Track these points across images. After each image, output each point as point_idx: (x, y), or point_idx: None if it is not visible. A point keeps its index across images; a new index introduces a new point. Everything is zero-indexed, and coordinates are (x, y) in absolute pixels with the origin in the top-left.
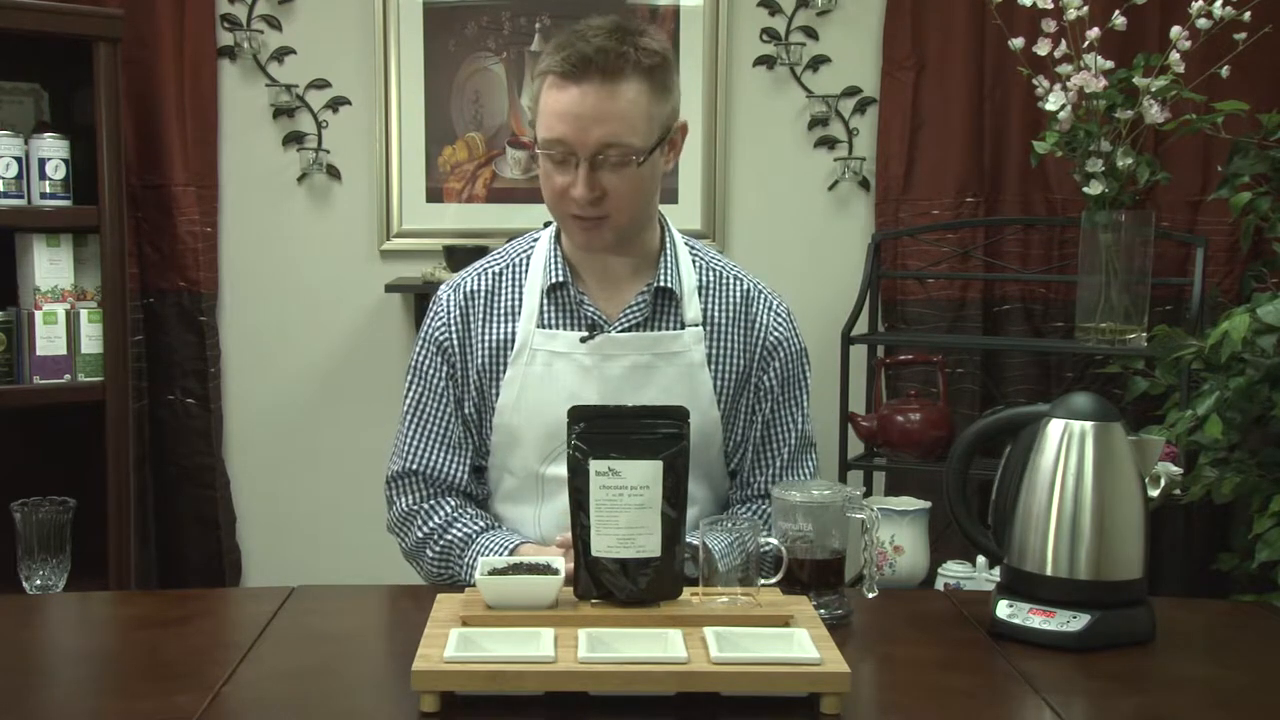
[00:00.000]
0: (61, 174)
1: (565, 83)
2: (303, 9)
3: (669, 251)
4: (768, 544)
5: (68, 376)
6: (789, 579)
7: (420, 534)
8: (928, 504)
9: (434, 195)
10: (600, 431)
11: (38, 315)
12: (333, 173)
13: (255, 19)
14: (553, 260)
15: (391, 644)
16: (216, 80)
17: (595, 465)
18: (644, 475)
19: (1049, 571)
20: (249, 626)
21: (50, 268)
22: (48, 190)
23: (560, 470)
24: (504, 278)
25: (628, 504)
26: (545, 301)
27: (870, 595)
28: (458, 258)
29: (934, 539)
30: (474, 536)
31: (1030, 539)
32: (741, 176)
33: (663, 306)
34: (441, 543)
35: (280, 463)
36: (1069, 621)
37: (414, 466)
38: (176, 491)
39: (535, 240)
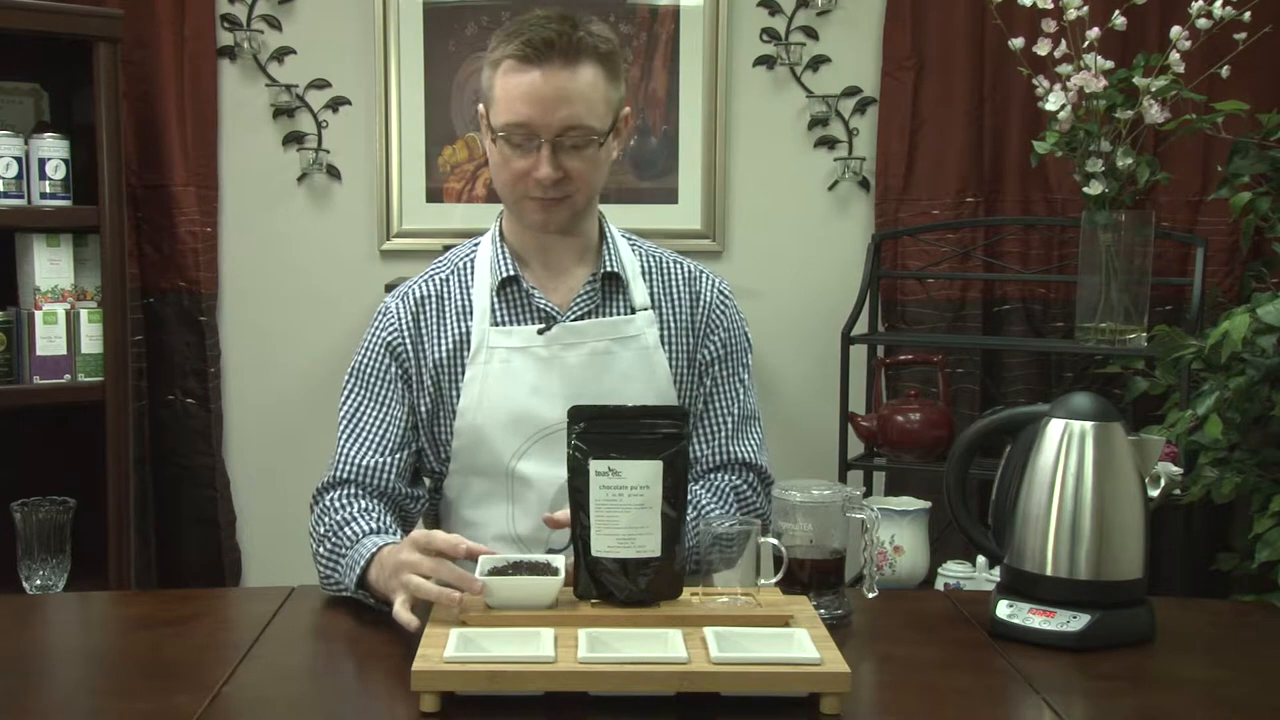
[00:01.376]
0: (61, 174)
1: (526, 66)
2: (303, 9)
3: (609, 240)
4: (767, 543)
5: (68, 376)
6: (789, 579)
7: (320, 529)
8: (928, 504)
9: (434, 195)
10: (600, 431)
11: (38, 315)
12: (333, 173)
13: (255, 19)
14: (499, 256)
15: (391, 644)
16: (216, 80)
17: (595, 465)
18: (644, 475)
19: (1049, 571)
20: (249, 626)
21: (50, 268)
22: (48, 190)
23: (529, 467)
24: (451, 282)
25: (628, 504)
26: (496, 300)
27: (870, 595)
28: None
29: (934, 539)
30: (360, 537)
31: (1030, 539)
32: (741, 176)
33: (611, 292)
34: (333, 540)
35: (280, 463)
36: (1069, 621)
37: (344, 474)
38: (176, 491)
39: (475, 245)
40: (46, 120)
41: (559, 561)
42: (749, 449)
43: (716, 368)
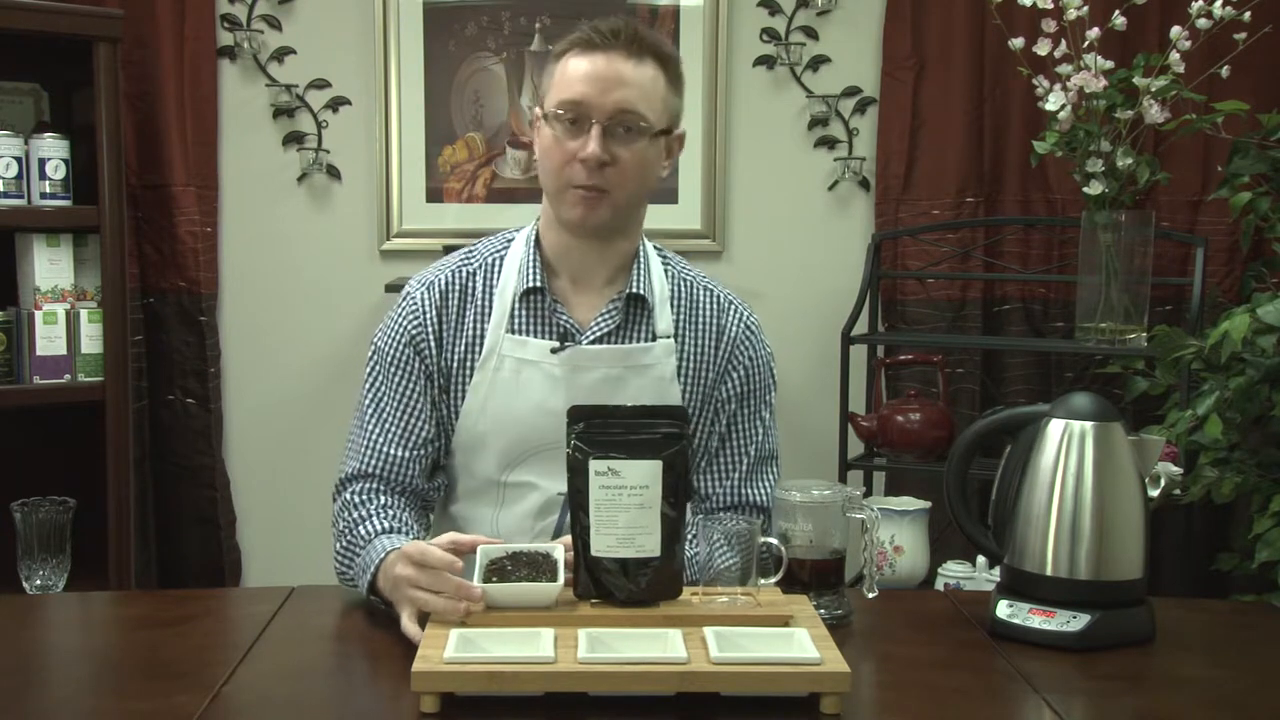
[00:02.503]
0: (61, 174)
1: (590, 51)
2: (303, 9)
3: (642, 259)
4: (767, 543)
5: (68, 376)
6: (789, 579)
7: (339, 525)
8: (928, 504)
9: (434, 195)
10: (600, 431)
11: (38, 315)
12: (333, 173)
13: (255, 19)
14: (530, 263)
15: (391, 644)
16: (216, 80)
17: (595, 465)
18: (644, 475)
19: (1049, 571)
20: (249, 627)
21: (50, 268)
22: (48, 190)
23: (521, 476)
24: (477, 278)
25: (627, 504)
26: (517, 306)
27: (870, 595)
28: None
29: (934, 539)
30: (372, 538)
31: (1030, 539)
32: (741, 176)
33: (634, 315)
34: (349, 536)
35: (280, 463)
36: (1069, 621)
37: (370, 468)
38: (176, 491)
39: (509, 241)
40: (46, 120)
41: (558, 552)
42: (762, 492)
43: (735, 405)
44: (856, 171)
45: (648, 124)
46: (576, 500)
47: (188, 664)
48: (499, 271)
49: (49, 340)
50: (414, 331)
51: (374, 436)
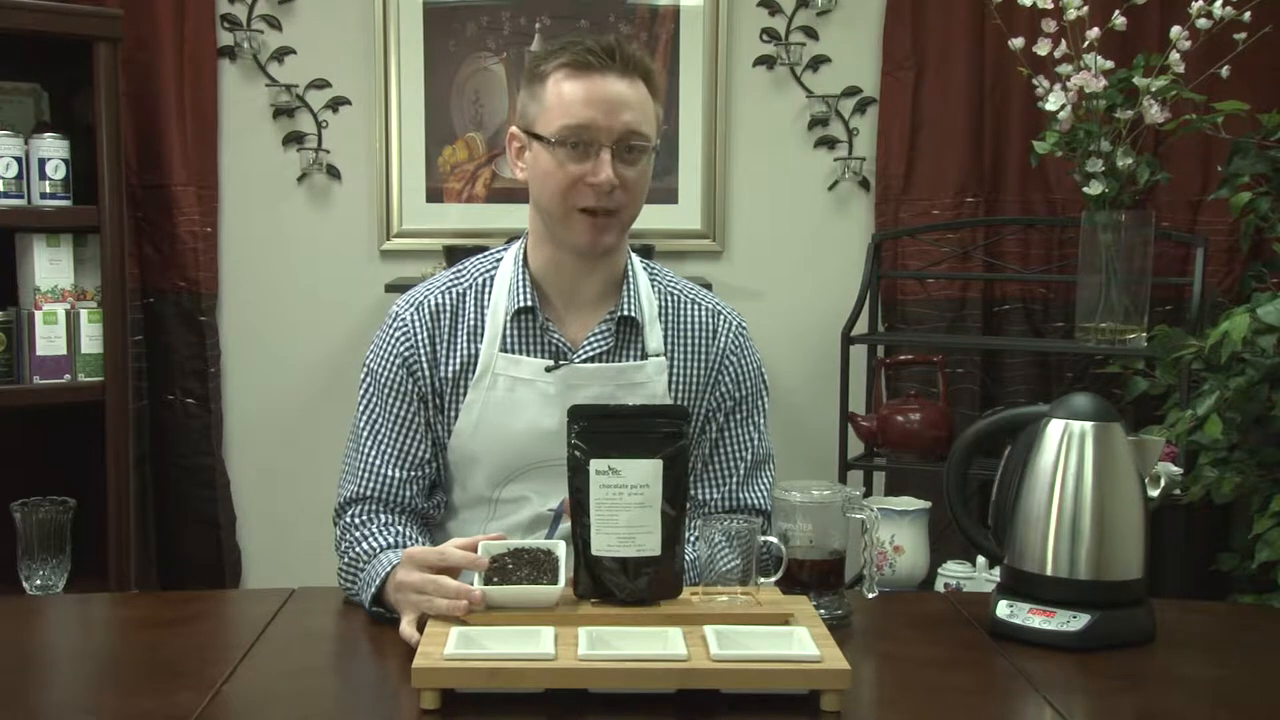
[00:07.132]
0: (61, 174)
1: (587, 72)
2: (303, 9)
3: (630, 278)
4: (766, 543)
5: (68, 376)
6: (789, 579)
7: (341, 546)
8: (928, 504)
9: (434, 195)
10: (600, 431)
11: (38, 315)
12: (333, 173)
13: (255, 19)
14: (519, 283)
15: (391, 644)
16: (216, 80)
17: (595, 465)
18: (644, 474)
19: (1049, 571)
20: (249, 627)
21: (50, 268)
22: (48, 190)
23: (514, 492)
24: (467, 298)
25: (628, 503)
26: (509, 325)
27: (870, 595)
28: (458, 258)
29: (934, 539)
30: (375, 553)
31: (1030, 539)
32: (741, 176)
33: (625, 335)
34: (350, 554)
35: (280, 463)
36: (1069, 621)
37: (368, 491)
38: (176, 491)
39: (497, 261)
40: (46, 120)
41: (560, 549)
42: (759, 495)
43: (728, 413)
44: (856, 171)
45: (651, 143)
46: (577, 500)
47: (188, 663)
48: (489, 291)
49: (49, 340)
50: (406, 353)
51: (370, 459)
